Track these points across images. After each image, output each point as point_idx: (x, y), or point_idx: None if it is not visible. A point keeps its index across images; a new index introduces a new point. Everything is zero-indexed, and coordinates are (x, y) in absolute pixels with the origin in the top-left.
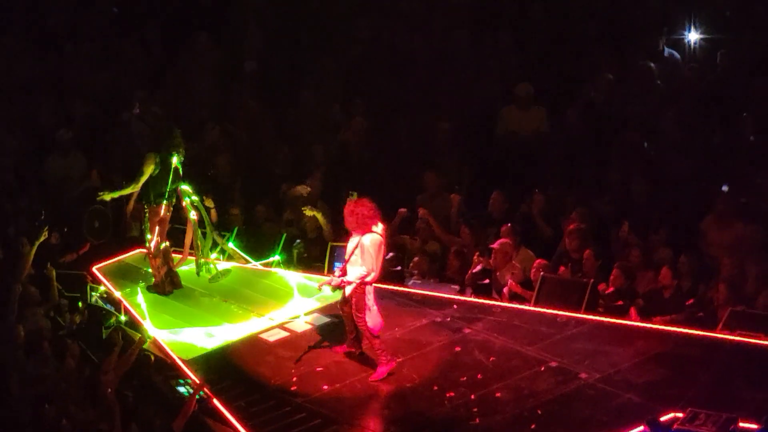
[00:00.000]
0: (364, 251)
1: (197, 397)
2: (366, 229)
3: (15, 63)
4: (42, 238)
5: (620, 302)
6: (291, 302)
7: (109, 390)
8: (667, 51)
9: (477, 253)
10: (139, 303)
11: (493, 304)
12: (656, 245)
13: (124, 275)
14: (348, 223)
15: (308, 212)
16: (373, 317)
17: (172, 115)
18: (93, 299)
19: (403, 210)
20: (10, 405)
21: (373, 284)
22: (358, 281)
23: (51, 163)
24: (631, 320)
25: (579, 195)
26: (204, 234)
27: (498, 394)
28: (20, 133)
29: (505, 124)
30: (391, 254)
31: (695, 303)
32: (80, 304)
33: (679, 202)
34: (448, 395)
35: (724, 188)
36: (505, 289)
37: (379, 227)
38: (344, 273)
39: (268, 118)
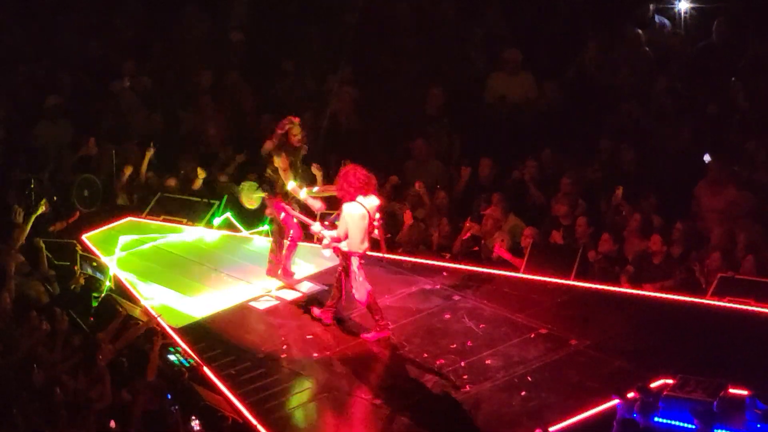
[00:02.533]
0: (340, 218)
1: (186, 363)
2: (348, 198)
3: (2, 32)
4: (40, 211)
5: (610, 268)
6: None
7: (101, 358)
8: (657, 18)
9: (468, 220)
10: (128, 271)
11: (483, 272)
12: (646, 212)
13: (114, 243)
14: (336, 186)
15: (316, 172)
16: (359, 288)
17: (162, 86)
18: (83, 268)
19: (394, 177)
20: None
21: (359, 255)
22: (328, 242)
23: (39, 130)
24: (621, 287)
25: (569, 162)
26: None
27: (488, 361)
28: (9, 103)
29: (492, 90)
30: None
31: (685, 269)
32: (77, 269)
33: (669, 169)
34: (437, 362)
35: (707, 158)
36: (494, 256)
37: (370, 200)
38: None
39: (250, 88)
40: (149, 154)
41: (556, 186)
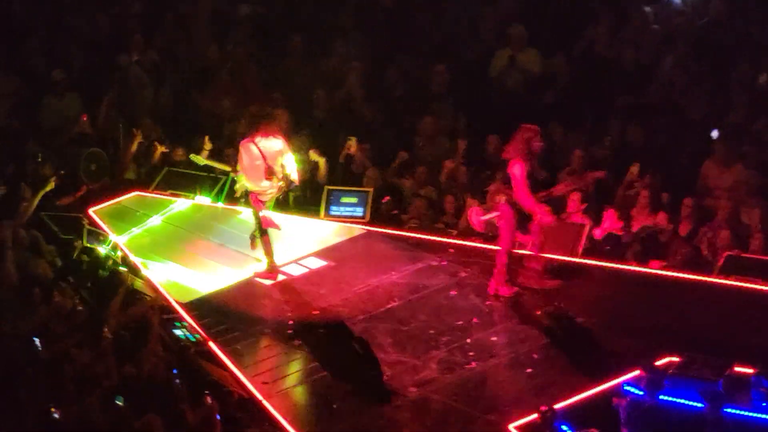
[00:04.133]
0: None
1: (192, 338)
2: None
3: (13, 7)
4: (48, 188)
5: (616, 246)
6: (286, 245)
7: (106, 331)
8: None
9: (468, 197)
10: (135, 245)
11: (490, 248)
12: (654, 189)
13: (121, 218)
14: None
15: (313, 157)
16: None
17: (170, 61)
18: (89, 242)
19: (403, 153)
20: (4, 344)
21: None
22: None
23: (46, 104)
24: (628, 265)
25: (576, 139)
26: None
27: (493, 338)
28: (18, 78)
29: (498, 66)
30: (387, 198)
31: (692, 247)
32: (85, 243)
33: (677, 147)
34: (443, 339)
35: (714, 133)
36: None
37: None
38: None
39: (256, 64)
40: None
41: (562, 162)
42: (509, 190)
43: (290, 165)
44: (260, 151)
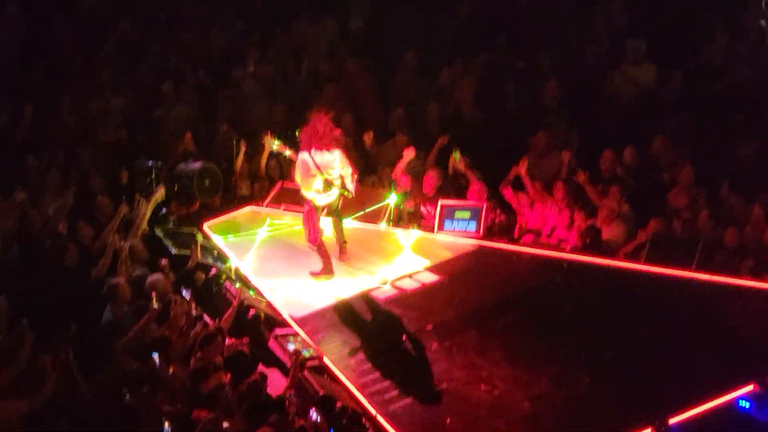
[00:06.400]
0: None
1: (305, 353)
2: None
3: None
4: (161, 198)
5: (731, 260)
6: (400, 259)
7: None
8: None
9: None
10: (248, 260)
11: (603, 264)
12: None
13: (235, 233)
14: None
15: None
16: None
17: (282, 75)
18: (203, 257)
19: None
20: (116, 360)
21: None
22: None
23: (159, 119)
24: (742, 279)
25: (687, 153)
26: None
27: (607, 353)
28: (134, 93)
29: (614, 80)
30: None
31: None
32: (198, 258)
33: None
34: (556, 354)
35: None
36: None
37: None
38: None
39: (369, 76)
40: (270, 143)
41: (669, 176)
42: None
43: (348, 177)
44: (315, 163)
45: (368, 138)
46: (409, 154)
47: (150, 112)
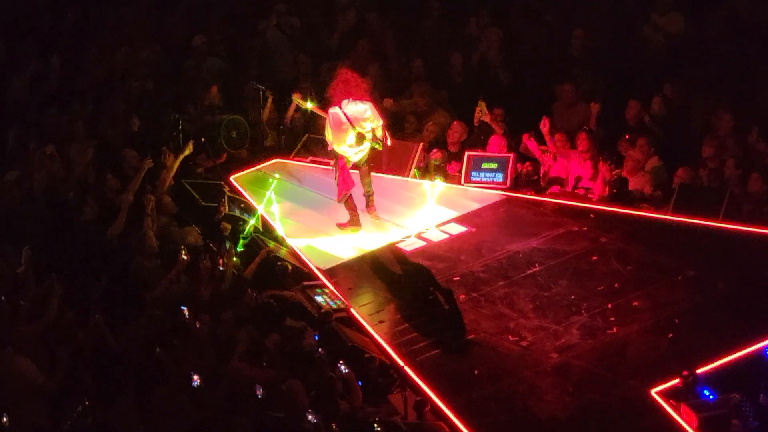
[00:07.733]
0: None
1: (333, 305)
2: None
3: None
4: (187, 152)
5: (758, 209)
6: (426, 211)
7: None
8: None
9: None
10: (274, 213)
11: (630, 213)
12: None
13: (261, 185)
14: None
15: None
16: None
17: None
18: (230, 209)
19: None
20: (146, 313)
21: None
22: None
23: (186, 71)
24: None
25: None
26: None
27: (635, 303)
28: (158, 45)
29: (642, 29)
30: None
31: None
32: (226, 210)
33: None
34: (584, 305)
35: None
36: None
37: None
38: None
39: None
40: (296, 96)
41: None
42: None
43: (379, 129)
44: (347, 117)
45: (388, 103)
46: (435, 153)
47: (180, 64)
